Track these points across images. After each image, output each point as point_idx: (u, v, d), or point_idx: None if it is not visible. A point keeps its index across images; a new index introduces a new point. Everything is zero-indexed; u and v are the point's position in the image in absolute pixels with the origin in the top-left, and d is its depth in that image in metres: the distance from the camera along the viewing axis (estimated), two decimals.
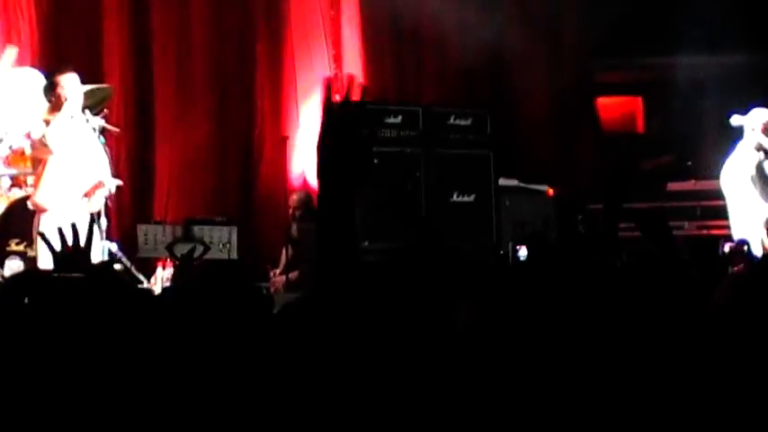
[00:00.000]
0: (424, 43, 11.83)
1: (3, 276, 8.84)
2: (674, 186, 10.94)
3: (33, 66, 9.73)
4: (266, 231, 11.06)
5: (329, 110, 2.84)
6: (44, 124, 7.82)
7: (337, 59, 11.56)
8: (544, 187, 10.78)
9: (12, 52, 9.59)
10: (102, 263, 4.27)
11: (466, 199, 10.32)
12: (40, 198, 7.65)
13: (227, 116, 11.29)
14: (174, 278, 7.61)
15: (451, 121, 10.41)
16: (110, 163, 8.39)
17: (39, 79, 9.47)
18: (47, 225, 7.64)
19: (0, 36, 10.40)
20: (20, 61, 9.92)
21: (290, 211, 10.63)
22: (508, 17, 11.99)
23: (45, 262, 7.55)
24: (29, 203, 7.83)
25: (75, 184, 7.74)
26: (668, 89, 12.39)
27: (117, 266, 9.45)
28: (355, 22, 11.59)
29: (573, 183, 11.54)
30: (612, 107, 13.01)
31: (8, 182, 9.14)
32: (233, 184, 11.21)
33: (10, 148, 9.00)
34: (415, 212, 10.04)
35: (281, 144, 10.93)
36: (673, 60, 12.12)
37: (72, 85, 7.66)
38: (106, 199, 9.46)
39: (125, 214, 10.62)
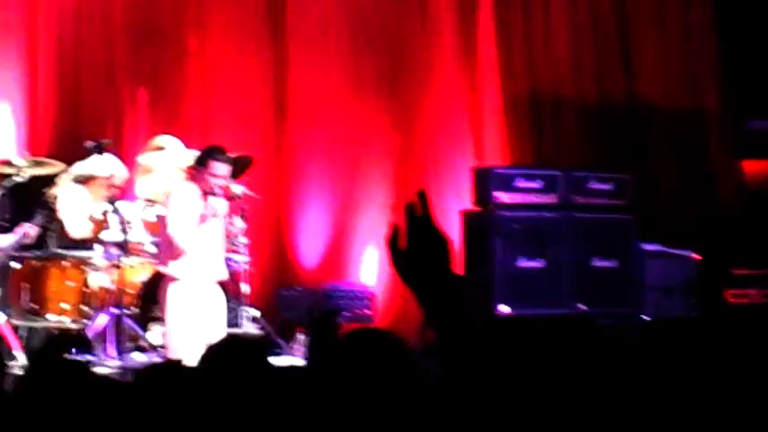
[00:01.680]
0: (562, 107, 11.75)
1: (149, 342, 9.00)
2: None
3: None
4: (406, 295, 11.05)
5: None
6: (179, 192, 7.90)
7: (475, 123, 11.55)
8: (688, 252, 10.57)
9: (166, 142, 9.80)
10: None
11: (607, 264, 10.17)
12: (170, 269, 7.75)
13: (366, 180, 11.35)
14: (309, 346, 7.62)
15: (592, 184, 10.32)
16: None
17: (179, 147, 9.67)
18: (176, 294, 7.72)
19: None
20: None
21: None
22: (648, 76, 11.86)
23: (174, 328, 7.66)
24: (160, 269, 7.92)
25: (203, 253, 7.81)
26: None
27: (257, 331, 9.56)
28: (495, 88, 11.60)
29: (718, 246, 11.29)
30: (759, 168, 12.71)
31: (154, 249, 9.32)
32: (371, 249, 11.24)
33: (156, 216, 9.19)
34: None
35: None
36: None
37: (222, 174, 7.76)
38: (246, 264, 9.61)
39: (266, 279, 10.74)
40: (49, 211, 8.50)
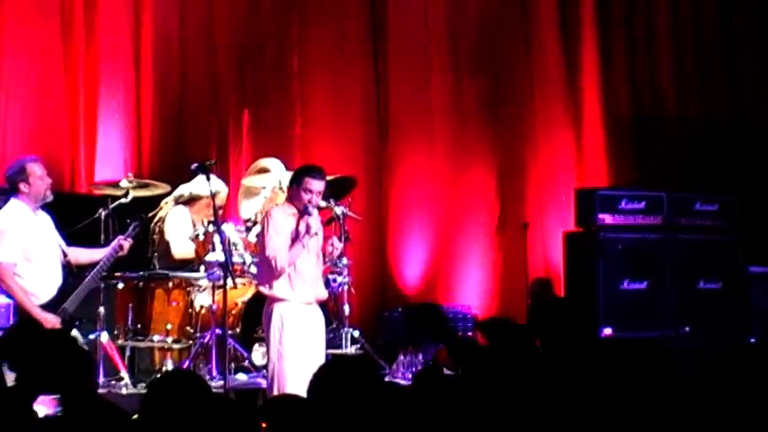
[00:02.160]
0: (665, 127, 11.58)
1: (252, 363, 9.04)
2: None
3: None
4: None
5: None
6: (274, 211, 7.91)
7: (578, 144, 11.46)
8: None
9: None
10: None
11: (712, 287, 10.04)
12: (271, 290, 7.76)
13: (468, 202, 11.31)
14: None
15: (697, 206, 10.19)
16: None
17: (282, 169, 9.72)
18: (278, 314, 7.72)
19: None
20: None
21: (530, 297, 10.55)
22: (753, 93, 11.66)
23: (275, 348, 7.67)
24: (261, 289, 7.91)
25: (302, 273, 7.80)
26: None
27: (358, 352, 9.56)
28: (597, 108, 11.50)
29: None
30: None
31: (256, 269, 9.36)
32: (473, 271, 11.20)
33: (257, 236, 9.24)
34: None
35: (522, 230, 10.88)
36: None
37: (315, 190, 7.74)
38: (348, 285, 9.62)
39: (367, 300, 10.74)
40: (141, 221, 8.56)
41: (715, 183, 11.10)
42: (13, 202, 7.84)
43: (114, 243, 8.21)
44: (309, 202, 7.68)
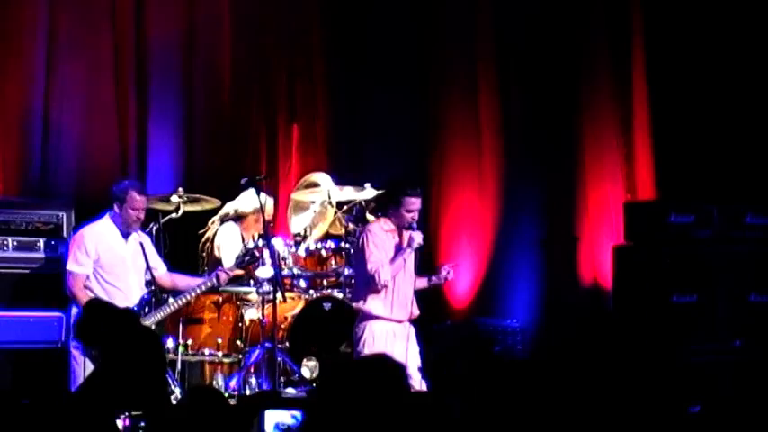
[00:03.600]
0: (714, 139, 11.48)
1: (302, 377, 9.08)
2: None
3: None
4: (555, 332, 10.93)
5: None
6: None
7: (627, 157, 11.39)
8: None
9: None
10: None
11: (764, 300, 9.95)
12: (367, 306, 7.79)
13: (517, 215, 11.28)
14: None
15: (749, 219, 10.10)
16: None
17: (329, 182, 9.73)
18: (372, 333, 7.73)
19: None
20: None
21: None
22: None
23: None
24: (356, 305, 7.95)
25: (398, 290, 7.83)
26: None
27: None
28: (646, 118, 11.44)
29: None
30: None
31: (305, 283, 9.41)
32: (522, 285, 11.16)
33: (306, 250, 9.29)
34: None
35: (573, 244, 10.84)
36: None
37: (416, 208, 7.79)
38: None
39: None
40: (252, 256, 8.66)
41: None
42: (105, 217, 8.14)
43: (213, 273, 8.42)
44: (413, 218, 7.76)
